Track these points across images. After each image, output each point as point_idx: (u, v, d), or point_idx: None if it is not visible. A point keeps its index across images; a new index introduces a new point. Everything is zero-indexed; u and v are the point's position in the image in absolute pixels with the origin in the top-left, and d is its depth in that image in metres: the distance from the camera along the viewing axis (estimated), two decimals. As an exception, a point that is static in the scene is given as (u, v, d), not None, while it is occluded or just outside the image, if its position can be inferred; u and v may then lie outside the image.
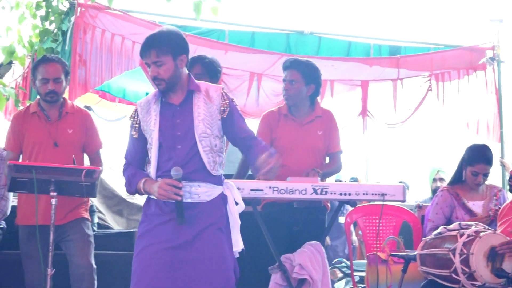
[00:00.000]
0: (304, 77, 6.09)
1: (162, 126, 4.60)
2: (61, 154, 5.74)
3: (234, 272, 4.62)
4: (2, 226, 6.13)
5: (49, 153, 5.78)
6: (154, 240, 4.52)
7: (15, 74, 10.67)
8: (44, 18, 9.17)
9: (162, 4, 9.05)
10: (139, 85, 9.91)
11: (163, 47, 4.52)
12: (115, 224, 8.52)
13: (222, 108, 4.64)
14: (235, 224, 4.72)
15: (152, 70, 4.55)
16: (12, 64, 10.53)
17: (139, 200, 8.80)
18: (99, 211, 8.22)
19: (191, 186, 4.54)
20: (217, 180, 4.65)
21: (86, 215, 5.91)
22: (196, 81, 4.71)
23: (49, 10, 9.08)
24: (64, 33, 8.83)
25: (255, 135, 4.81)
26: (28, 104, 6.19)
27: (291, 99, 6.14)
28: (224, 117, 4.65)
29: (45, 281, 5.32)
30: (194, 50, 8.09)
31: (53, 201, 5.30)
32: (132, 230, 6.99)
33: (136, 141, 4.70)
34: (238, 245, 4.71)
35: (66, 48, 8.61)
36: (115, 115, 11.92)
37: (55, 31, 9.06)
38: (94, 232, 6.31)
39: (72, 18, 8.58)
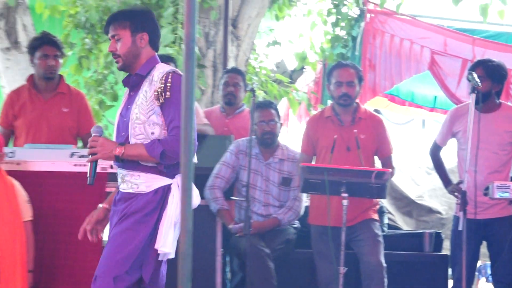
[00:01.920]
0: None
1: (122, 111, 4.39)
2: (352, 158, 5.98)
3: (143, 270, 4.19)
4: (296, 225, 6.42)
5: (342, 156, 5.98)
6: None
7: (307, 79, 11.05)
8: (335, 25, 9.48)
9: (450, 8, 9.11)
10: (428, 88, 9.96)
11: (121, 21, 4.31)
12: (404, 225, 8.65)
13: (156, 92, 4.19)
14: (169, 221, 4.19)
15: (110, 45, 4.36)
16: (304, 70, 10.93)
17: (428, 201, 8.92)
18: (389, 212, 8.37)
19: (131, 176, 4.26)
20: (160, 171, 4.24)
21: (375, 216, 6.06)
22: (160, 64, 4.36)
23: (339, 17, 9.39)
24: (353, 39, 9.11)
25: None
26: (321, 109, 6.47)
27: None
28: (161, 103, 4.20)
29: (337, 279, 5.58)
30: (482, 54, 8.09)
31: (345, 202, 5.49)
32: (421, 231, 7.08)
33: None
34: (165, 245, 4.16)
35: (356, 53, 8.88)
36: (404, 118, 12.07)
37: (345, 37, 9.35)
38: (384, 233, 6.48)
39: (362, 24, 8.84)
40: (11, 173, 5.09)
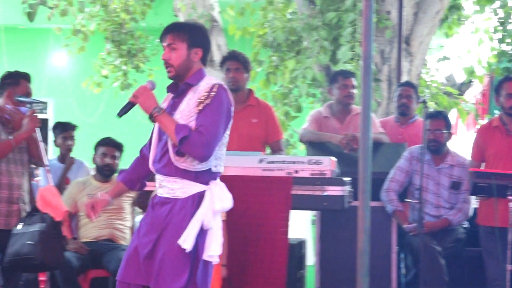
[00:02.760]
0: None
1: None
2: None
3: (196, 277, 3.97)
4: (465, 225, 6.31)
5: (509, 162, 5.86)
6: (138, 233, 4.14)
7: (475, 92, 10.83)
8: (501, 41, 9.29)
9: None
10: None
11: (180, 33, 4.10)
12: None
13: (199, 100, 4.02)
14: (209, 229, 4.03)
15: (164, 53, 4.12)
16: (472, 83, 10.72)
17: None
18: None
19: (168, 181, 4.06)
20: (195, 177, 4.03)
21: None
22: (207, 76, 4.17)
23: (505, 33, 9.17)
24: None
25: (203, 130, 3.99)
26: (488, 119, 6.33)
27: None
28: (200, 110, 4.01)
29: (504, 276, 5.46)
30: None
31: (511, 204, 5.43)
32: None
33: None
34: (212, 251, 4.02)
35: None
36: None
37: (510, 52, 9.12)
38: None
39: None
40: (206, 177, 5.18)
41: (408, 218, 6.13)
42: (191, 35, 4.13)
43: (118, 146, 6.55)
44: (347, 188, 5.23)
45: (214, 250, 4.03)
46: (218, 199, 4.07)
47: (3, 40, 12.77)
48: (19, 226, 5.25)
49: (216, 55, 9.36)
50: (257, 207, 5.23)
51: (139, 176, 4.32)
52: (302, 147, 7.11)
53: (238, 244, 5.23)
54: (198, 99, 4.01)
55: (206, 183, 4.06)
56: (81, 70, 11.72)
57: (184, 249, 3.92)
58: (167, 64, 4.09)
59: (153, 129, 4.19)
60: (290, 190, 5.19)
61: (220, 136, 4.04)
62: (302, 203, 5.20)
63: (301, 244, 5.69)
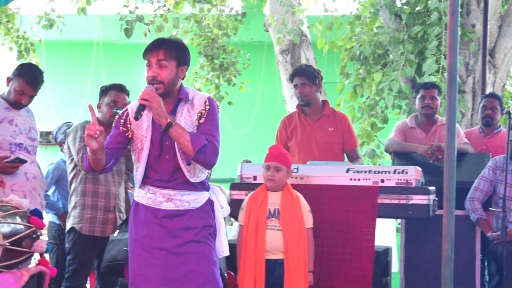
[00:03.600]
0: None
1: (153, 135, 4.13)
2: None
3: (222, 277, 4.37)
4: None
5: None
6: (149, 238, 4.14)
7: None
8: None
9: None
10: None
11: (172, 51, 4.06)
12: None
13: (199, 114, 4.10)
14: (221, 228, 4.30)
15: (153, 70, 4.04)
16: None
17: None
18: None
19: (182, 195, 4.13)
20: (202, 186, 4.21)
21: None
22: (187, 88, 4.21)
23: None
24: None
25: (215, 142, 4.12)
26: None
27: None
28: (200, 123, 4.11)
29: None
30: None
31: None
32: None
33: (118, 135, 4.20)
34: (223, 250, 4.33)
35: None
36: None
37: None
38: None
39: None
40: (295, 186, 5.22)
41: (491, 226, 6.04)
42: (180, 53, 4.12)
43: None
44: (432, 197, 5.21)
45: (225, 248, 4.34)
46: (219, 199, 4.33)
47: (101, 55, 13.13)
48: (116, 233, 5.36)
49: (305, 68, 9.40)
50: (344, 215, 5.25)
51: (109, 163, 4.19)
52: (388, 157, 7.08)
53: (325, 251, 5.25)
54: (199, 112, 4.10)
55: (208, 189, 4.28)
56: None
57: (212, 252, 4.18)
58: (156, 81, 4.04)
59: (115, 130, 4.19)
60: (376, 198, 5.19)
61: None
62: (388, 212, 5.21)
63: (386, 252, 5.67)
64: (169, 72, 4.06)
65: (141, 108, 3.99)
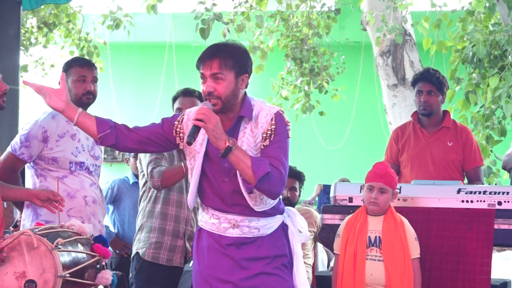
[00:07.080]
0: None
1: (210, 152, 4.07)
2: None
3: None
4: None
5: None
6: (213, 269, 4.12)
7: None
8: None
9: None
10: None
11: (228, 60, 3.95)
12: None
13: (265, 134, 4.01)
14: (296, 256, 4.21)
15: (207, 85, 3.96)
16: None
17: None
18: None
19: (250, 221, 4.08)
20: (273, 211, 4.14)
21: None
22: (252, 100, 4.11)
23: None
24: None
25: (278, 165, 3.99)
26: None
27: None
28: (265, 145, 4.01)
29: None
30: None
31: None
32: None
33: (161, 128, 4.15)
34: (299, 283, 4.18)
35: None
36: None
37: None
38: None
39: None
40: (398, 209, 5.24)
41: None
42: (239, 60, 4.03)
43: (298, 176, 6.44)
44: (557, 222, 5.17)
45: (303, 281, 4.22)
46: (295, 222, 4.27)
47: (174, 59, 13.36)
48: (191, 263, 5.40)
49: (409, 72, 9.43)
50: (455, 243, 5.25)
51: (117, 136, 4.13)
52: (506, 176, 7.03)
53: (433, 284, 5.25)
54: (264, 132, 4.03)
55: (283, 212, 4.25)
56: (259, 91, 11.96)
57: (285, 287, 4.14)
58: (212, 96, 3.98)
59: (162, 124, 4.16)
60: (492, 223, 5.18)
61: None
62: (506, 239, 5.19)
63: (505, 285, 5.64)
64: (227, 85, 3.99)
65: (194, 130, 3.92)
